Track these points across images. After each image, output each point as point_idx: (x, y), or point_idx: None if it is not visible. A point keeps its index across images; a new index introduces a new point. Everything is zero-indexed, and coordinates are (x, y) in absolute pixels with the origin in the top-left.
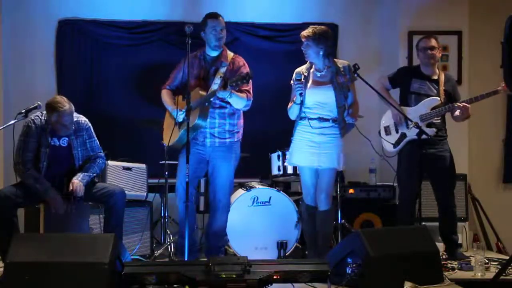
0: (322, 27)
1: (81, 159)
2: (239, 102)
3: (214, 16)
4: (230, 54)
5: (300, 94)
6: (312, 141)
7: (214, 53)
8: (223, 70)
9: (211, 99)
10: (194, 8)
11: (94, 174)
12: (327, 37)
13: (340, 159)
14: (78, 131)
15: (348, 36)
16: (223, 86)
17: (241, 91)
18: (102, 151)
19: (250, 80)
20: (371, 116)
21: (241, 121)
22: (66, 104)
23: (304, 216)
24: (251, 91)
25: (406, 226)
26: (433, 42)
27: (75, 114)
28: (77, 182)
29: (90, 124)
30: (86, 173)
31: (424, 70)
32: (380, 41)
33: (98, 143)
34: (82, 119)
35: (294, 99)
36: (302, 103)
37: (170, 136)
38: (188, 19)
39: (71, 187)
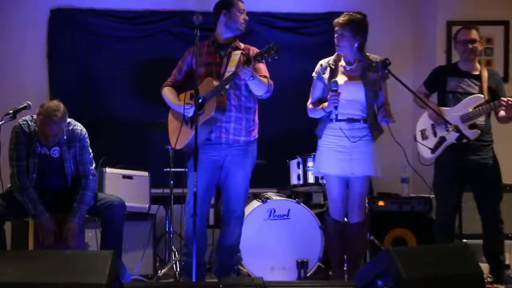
0: (358, 15)
1: (73, 173)
2: (260, 86)
3: None
4: (242, 44)
5: (336, 107)
6: (342, 146)
7: (227, 35)
8: (237, 52)
9: (227, 87)
10: None
11: (88, 206)
12: (365, 28)
13: (376, 165)
14: (71, 141)
15: (379, 27)
16: (246, 62)
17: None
18: (93, 167)
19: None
20: (404, 120)
21: (257, 117)
22: (59, 113)
23: (329, 233)
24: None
25: (445, 244)
26: (473, 34)
27: (72, 121)
28: (73, 227)
29: (86, 134)
30: (81, 208)
31: (462, 66)
32: (414, 32)
33: (92, 158)
34: (78, 127)
35: (323, 106)
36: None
37: (177, 137)
38: (197, 8)
39: (66, 236)
